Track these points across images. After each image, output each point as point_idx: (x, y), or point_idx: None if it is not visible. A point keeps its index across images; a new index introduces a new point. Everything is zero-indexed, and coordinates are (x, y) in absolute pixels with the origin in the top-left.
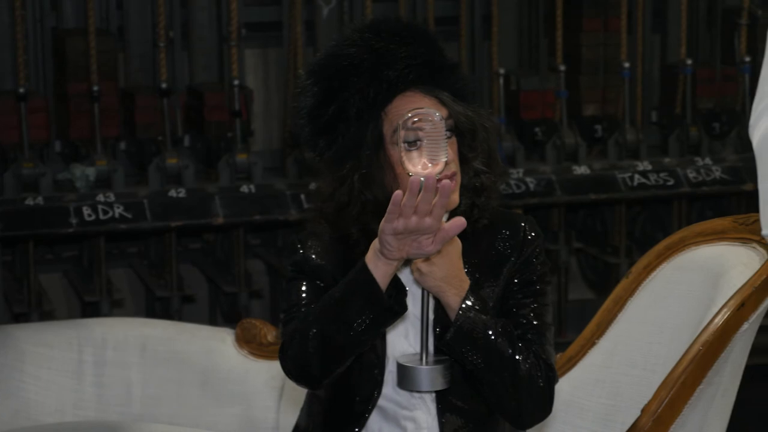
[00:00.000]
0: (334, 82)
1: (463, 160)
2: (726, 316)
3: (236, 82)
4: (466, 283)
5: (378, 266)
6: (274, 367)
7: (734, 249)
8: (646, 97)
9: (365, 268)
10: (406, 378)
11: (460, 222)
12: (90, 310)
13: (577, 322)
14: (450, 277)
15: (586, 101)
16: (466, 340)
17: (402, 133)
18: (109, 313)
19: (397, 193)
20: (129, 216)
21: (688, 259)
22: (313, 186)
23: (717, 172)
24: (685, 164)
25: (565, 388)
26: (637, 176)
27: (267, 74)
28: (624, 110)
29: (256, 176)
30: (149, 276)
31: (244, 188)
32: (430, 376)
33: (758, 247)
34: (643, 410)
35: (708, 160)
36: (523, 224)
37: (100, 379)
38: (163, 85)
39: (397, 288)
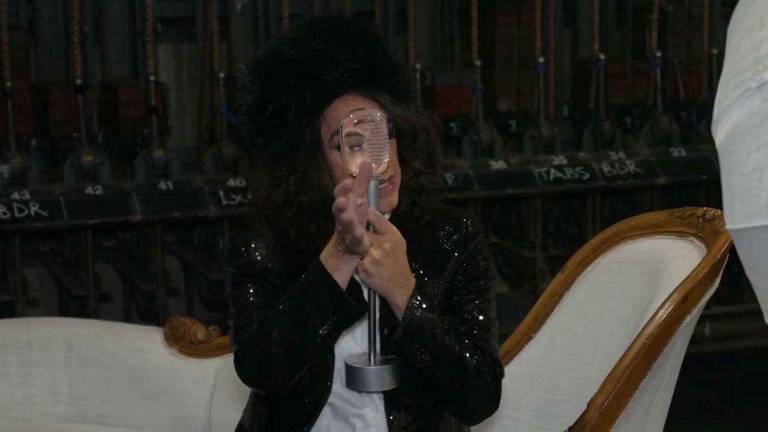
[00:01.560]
0: (273, 82)
1: (403, 161)
2: (670, 309)
3: (152, 78)
4: (412, 281)
5: (340, 269)
6: (205, 365)
7: (671, 242)
8: (558, 92)
9: (322, 270)
10: (355, 378)
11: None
12: (4, 309)
13: None
14: (396, 276)
15: (501, 96)
16: (415, 339)
17: (344, 135)
18: (24, 313)
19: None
20: (45, 214)
21: (625, 253)
22: (231, 182)
23: (631, 166)
24: (599, 158)
25: (503, 382)
26: (553, 171)
27: (180, 70)
28: (539, 105)
29: (173, 173)
30: (64, 275)
31: (162, 185)
32: (379, 376)
33: (695, 240)
34: (589, 404)
35: (622, 155)
36: (465, 220)
37: (25, 380)
38: (78, 81)
39: (352, 286)
